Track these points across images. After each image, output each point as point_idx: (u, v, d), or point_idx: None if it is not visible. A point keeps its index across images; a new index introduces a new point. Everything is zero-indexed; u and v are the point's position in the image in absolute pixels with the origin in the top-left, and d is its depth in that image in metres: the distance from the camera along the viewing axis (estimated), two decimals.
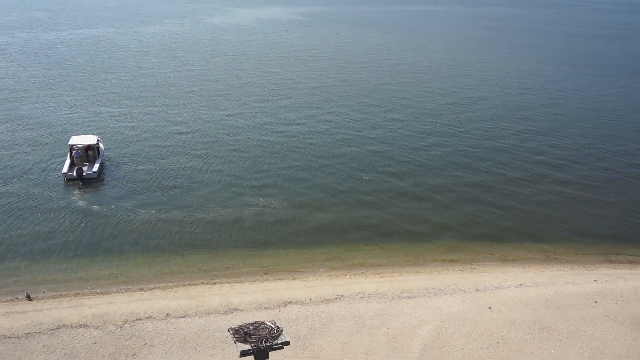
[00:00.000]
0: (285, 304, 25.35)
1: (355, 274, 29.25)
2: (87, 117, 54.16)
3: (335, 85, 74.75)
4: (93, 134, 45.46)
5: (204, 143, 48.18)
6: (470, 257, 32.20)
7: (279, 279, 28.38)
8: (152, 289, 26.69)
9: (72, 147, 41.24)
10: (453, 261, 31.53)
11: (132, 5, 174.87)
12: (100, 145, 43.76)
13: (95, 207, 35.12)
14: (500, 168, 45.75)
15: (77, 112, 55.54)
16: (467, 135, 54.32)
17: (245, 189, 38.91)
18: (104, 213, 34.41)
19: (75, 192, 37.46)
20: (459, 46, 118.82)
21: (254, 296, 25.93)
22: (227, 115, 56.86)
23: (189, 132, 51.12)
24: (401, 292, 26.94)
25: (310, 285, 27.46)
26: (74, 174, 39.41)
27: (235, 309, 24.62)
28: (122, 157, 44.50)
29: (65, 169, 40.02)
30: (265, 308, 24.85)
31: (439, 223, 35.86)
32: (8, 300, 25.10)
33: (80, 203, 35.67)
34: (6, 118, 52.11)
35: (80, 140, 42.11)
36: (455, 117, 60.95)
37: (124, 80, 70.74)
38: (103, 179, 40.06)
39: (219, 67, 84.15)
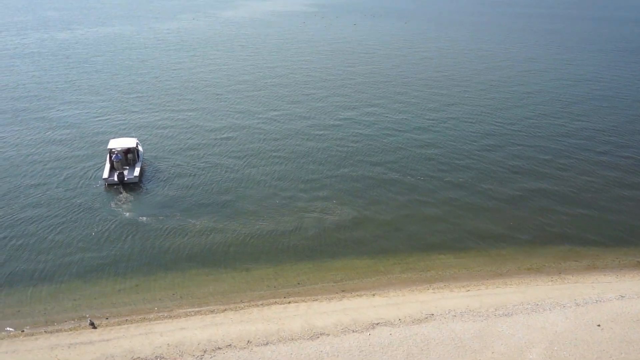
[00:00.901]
0: (373, 325, 23.01)
1: (438, 288, 26.81)
2: (117, 119, 51.90)
3: (365, 80, 72.10)
4: (131, 137, 43.22)
5: (242, 145, 45.80)
6: (556, 265, 29.70)
7: (357, 295, 26.00)
8: (223, 310, 24.39)
9: (111, 151, 39.14)
10: (539, 270, 29.05)
11: (141, 1, 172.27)
12: (140, 148, 41.58)
13: (142, 217, 32.85)
14: (563, 169, 42.95)
15: (106, 115, 53.29)
16: (523, 134, 51.42)
17: (297, 194, 36.53)
18: (152, 224, 32.13)
19: (118, 200, 35.22)
20: (481, 34, 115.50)
21: (337, 317, 23.58)
22: (261, 116, 54.38)
23: (225, 134, 48.73)
24: (495, 309, 24.51)
25: (394, 303, 25.07)
26: (115, 178, 37.31)
27: (320, 333, 22.29)
28: (160, 160, 42.23)
29: (105, 174, 37.89)
30: (353, 331, 22.51)
31: (511, 227, 33.35)
32: (71, 329, 22.89)
33: (126, 213, 33.42)
34: (35, 124, 49.90)
35: (119, 143, 39.93)
36: (504, 114, 58.11)
37: (148, 80, 68.43)
38: (144, 184, 37.85)
39: (242, 62, 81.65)
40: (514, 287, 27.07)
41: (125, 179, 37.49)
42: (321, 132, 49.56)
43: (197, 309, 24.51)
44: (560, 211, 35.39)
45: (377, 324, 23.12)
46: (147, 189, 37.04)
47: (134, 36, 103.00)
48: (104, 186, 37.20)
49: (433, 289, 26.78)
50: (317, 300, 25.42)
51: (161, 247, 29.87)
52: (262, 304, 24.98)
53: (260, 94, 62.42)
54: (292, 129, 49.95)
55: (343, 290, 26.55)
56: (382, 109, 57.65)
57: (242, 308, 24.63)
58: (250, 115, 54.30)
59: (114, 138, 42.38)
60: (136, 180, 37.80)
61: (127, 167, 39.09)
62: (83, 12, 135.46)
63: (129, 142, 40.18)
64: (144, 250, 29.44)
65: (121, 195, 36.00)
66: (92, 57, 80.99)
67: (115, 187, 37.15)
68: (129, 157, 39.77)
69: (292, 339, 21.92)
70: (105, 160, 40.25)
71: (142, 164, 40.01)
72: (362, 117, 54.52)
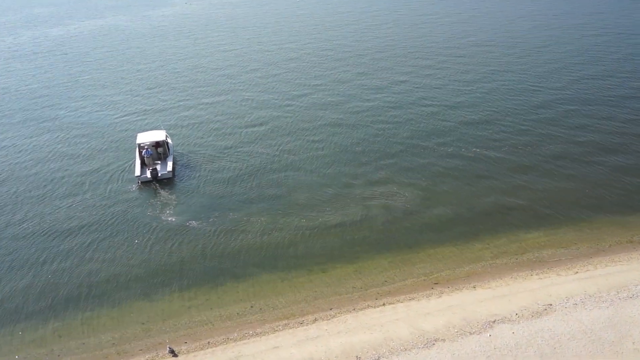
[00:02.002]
0: (490, 324, 20.28)
1: (542, 273, 24.04)
2: (135, 114, 48.48)
3: (386, 54, 68.38)
4: (159, 129, 40.09)
5: (273, 132, 42.51)
6: None
7: (455, 289, 23.22)
8: (313, 321, 21.62)
9: (140, 146, 36.12)
10: None
11: None
12: (169, 140, 38.49)
13: (187, 219, 29.93)
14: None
15: (120, 110, 49.81)
16: (584, 99, 48.34)
17: (350, 181, 33.58)
18: (201, 226, 29.22)
19: (156, 201, 32.26)
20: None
21: (444, 317, 20.85)
22: (285, 101, 50.84)
23: (252, 121, 45.47)
24: (617, 292, 21.84)
25: (501, 294, 22.31)
26: (148, 175, 34.46)
27: (434, 339, 19.57)
28: (191, 153, 39.16)
29: (137, 171, 34.93)
30: (470, 333, 19.80)
31: (591, 196, 30.70)
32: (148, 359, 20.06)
33: (168, 216, 30.47)
34: (46, 127, 46.44)
35: (148, 137, 36.88)
36: (558, 79, 54.85)
37: (155, 70, 64.62)
38: (179, 180, 34.93)
39: (247, 44, 77.67)
40: (625, 264, 24.32)
41: (159, 174, 34.59)
42: (355, 114, 46.15)
43: (284, 322, 21.72)
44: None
45: (494, 321, 20.39)
46: (184, 186, 34.02)
47: (129, 26, 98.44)
48: (137, 184, 34.24)
49: (536, 274, 24.00)
50: (413, 299, 22.65)
51: (219, 252, 26.98)
52: (354, 309, 22.21)
53: (277, 78, 58.71)
54: (323, 113, 46.51)
55: (437, 284, 23.75)
56: (412, 85, 54.20)
57: (334, 316, 21.85)
58: (275, 99, 50.88)
59: (140, 132, 39.20)
60: (170, 175, 34.94)
61: (159, 162, 36.16)
62: (72, 7, 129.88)
63: (158, 135, 37.10)
64: (201, 258, 26.57)
65: (158, 195, 33.06)
66: (91, 51, 76.87)
67: (149, 184, 34.21)
68: (159, 151, 36.80)
69: (405, 349, 19.20)
70: (135, 156, 37.22)
71: (173, 157, 36.99)
72: (393, 96, 51.13)
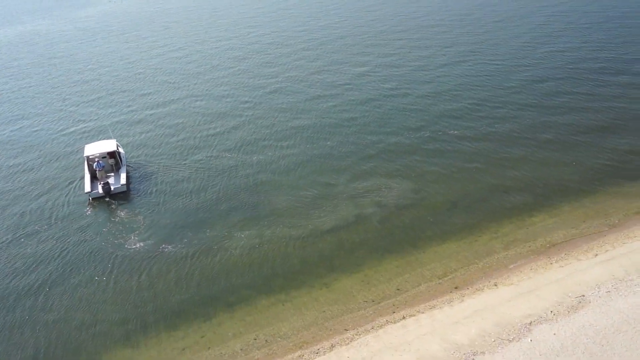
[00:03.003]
0: (526, 326, 18.39)
1: (561, 260, 22.50)
2: (73, 126, 43.59)
3: (338, 44, 65.77)
4: (109, 139, 36.03)
5: (233, 134, 39.28)
6: None
7: (476, 289, 21.22)
8: (330, 348, 19.02)
9: (89, 159, 32.36)
10: None
11: None
12: (121, 150, 34.66)
13: (157, 242, 26.48)
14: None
15: (56, 123, 44.76)
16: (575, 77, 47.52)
17: (333, 179, 31.09)
18: (171, 248, 25.92)
19: (113, 222, 28.58)
20: None
21: (475, 325, 18.78)
22: (239, 100, 47.51)
23: (209, 124, 41.96)
24: None
25: (527, 290, 20.50)
26: (100, 190, 31.06)
27: (473, 353, 17.44)
28: (145, 162, 35.33)
29: (87, 187, 31.36)
30: (509, 340, 17.84)
31: (591, 169, 29.52)
32: None
33: (131, 239, 26.82)
34: None
35: (98, 148, 33.15)
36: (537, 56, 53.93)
37: (88, 76, 59.21)
38: (135, 194, 31.30)
39: (184, 41, 73.03)
40: None
41: (112, 189, 30.97)
42: (319, 111, 43.36)
43: (297, 354, 18.98)
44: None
45: (530, 323, 18.52)
46: (144, 202, 30.40)
47: (52, 30, 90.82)
48: (88, 203, 30.40)
49: (556, 261, 22.40)
50: (435, 307, 20.45)
51: (203, 277, 23.82)
52: (372, 328, 19.76)
53: (226, 78, 54.97)
54: (283, 113, 43.25)
55: (456, 288, 21.66)
56: (375, 77, 51.98)
57: (352, 339, 19.32)
58: (229, 101, 47.29)
59: (87, 144, 35.05)
60: (124, 189, 31.47)
61: (112, 175, 32.41)
62: None
63: (109, 145, 33.33)
64: (182, 287, 23.30)
65: (116, 215, 29.36)
66: (13, 62, 69.82)
67: (102, 201, 30.51)
68: (110, 162, 33.02)
69: None
70: (84, 170, 33.21)
71: (126, 169, 33.22)
72: (356, 89, 48.76)
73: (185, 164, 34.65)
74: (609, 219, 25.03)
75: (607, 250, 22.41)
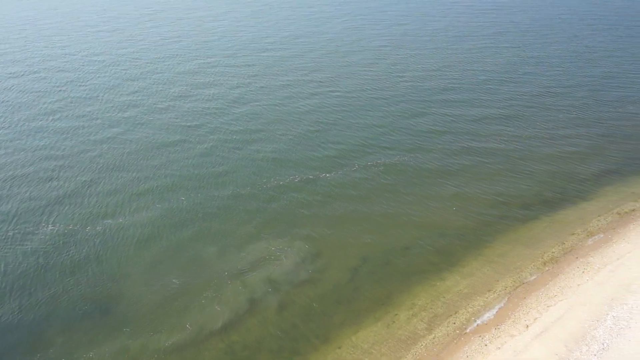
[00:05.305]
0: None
1: (494, 339, 19.84)
2: None
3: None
4: None
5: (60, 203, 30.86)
6: None
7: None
8: None
9: None
10: None
11: None
12: None
13: None
14: None
15: None
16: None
17: (201, 252, 25.22)
18: None
19: None
20: None
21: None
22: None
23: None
24: (577, 343, 18.59)
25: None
26: None
27: None
28: None
29: None
30: None
31: (478, 213, 27.91)
32: None
33: None
34: None
35: None
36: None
37: None
38: None
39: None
40: (561, 298, 21.47)
41: None
42: (174, 152, 36.64)
43: None
44: None
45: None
46: None
47: None
48: None
49: (489, 341, 19.77)
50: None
51: None
52: None
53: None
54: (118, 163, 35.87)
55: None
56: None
57: None
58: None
59: None
60: None
61: None
62: None
63: None
64: None
65: None
66: None
67: None
68: None
69: None
70: None
71: None
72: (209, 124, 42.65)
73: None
74: (521, 274, 23.32)
75: (535, 319, 20.31)
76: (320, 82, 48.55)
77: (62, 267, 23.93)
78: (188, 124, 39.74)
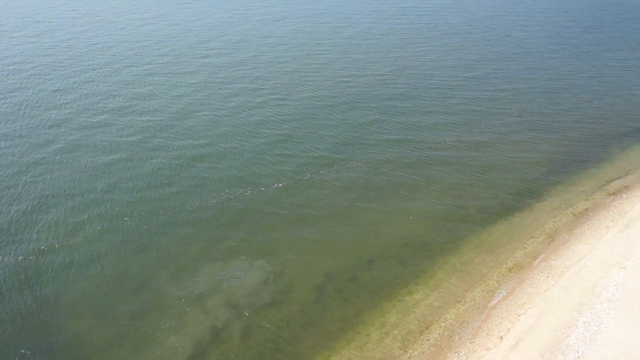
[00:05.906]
0: None
1: (470, 353, 19.21)
2: None
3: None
4: None
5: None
6: None
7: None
8: None
9: None
10: None
11: None
12: None
13: None
14: None
15: None
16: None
17: (151, 276, 23.35)
18: None
19: None
20: None
21: None
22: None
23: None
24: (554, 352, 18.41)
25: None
26: None
27: None
28: None
29: None
30: None
31: (440, 217, 27.58)
32: None
33: None
34: None
35: None
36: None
37: None
38: None
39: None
40: (532, 306, 21.30)
41: None
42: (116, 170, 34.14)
43: None
44: None
45: None
46: None
47: None
48: None
49: (465, 356, 19.05)
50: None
51: None
52: None
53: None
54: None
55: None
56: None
57: None
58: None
59: None
60: None
61: None
62: None
63: None
64: None
65: None
66: None
67: None
68: None
69: None
70: None
71: None
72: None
73: None
74: (487, 282, 23.04)
75: (508, 329, 20.02)
76: (267, 90, 47.12)
77: None
78: (128, 139, 37.12)
